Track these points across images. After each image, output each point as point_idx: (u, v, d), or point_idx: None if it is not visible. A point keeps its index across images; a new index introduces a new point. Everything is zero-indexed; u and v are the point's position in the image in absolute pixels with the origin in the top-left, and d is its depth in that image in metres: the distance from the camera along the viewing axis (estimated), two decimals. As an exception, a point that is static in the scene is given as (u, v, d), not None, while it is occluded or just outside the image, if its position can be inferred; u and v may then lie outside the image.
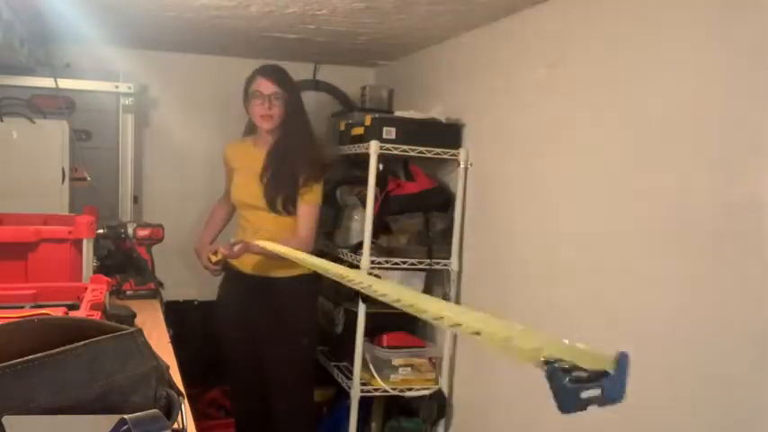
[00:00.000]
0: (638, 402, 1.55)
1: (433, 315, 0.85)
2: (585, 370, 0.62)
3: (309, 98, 2.88)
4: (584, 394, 0.61)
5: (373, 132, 2.36)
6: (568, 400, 0.60)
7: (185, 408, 0.78)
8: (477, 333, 0.74)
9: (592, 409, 0.66)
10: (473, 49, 2.39)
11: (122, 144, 2.75)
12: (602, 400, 0.62)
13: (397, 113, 2.53)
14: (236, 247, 2.16)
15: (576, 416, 0.68)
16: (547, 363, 0.60)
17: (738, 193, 1.31)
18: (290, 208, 2.29)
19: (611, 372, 0.64)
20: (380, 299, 1.03)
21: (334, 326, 2.65)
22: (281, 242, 2.31)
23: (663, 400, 1.49)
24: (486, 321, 0.77)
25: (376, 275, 2.34)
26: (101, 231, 2.07)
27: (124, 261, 2.21)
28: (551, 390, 0.59)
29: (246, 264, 2.33)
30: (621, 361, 0.65)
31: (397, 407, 2.72)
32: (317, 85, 3.18)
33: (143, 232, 2.18)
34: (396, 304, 0.99)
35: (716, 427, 1.35)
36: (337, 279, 1.16)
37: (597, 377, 0.62)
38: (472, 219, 2.39)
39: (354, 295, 2.39)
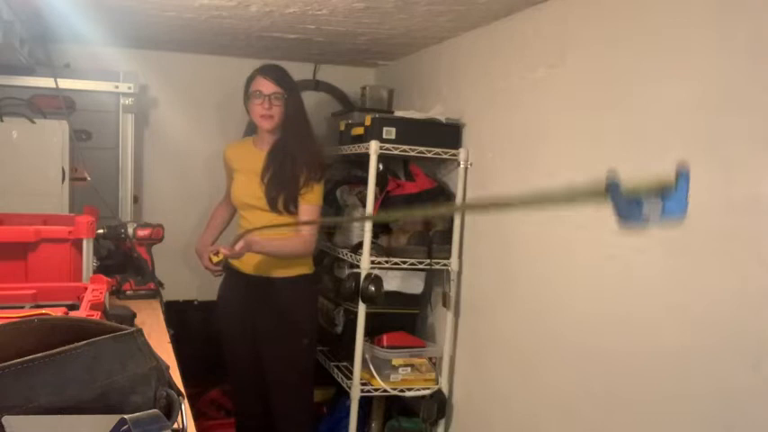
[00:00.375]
0: (638, 402, 1.55)
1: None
2: (645, 190, 0.61)
3: (309, 98, 2.88)
4: (644, 208, 0.59)
5: (373, 132, 2.36)
6: (627, 211, 0.58)
7: (185, 408, 0.78)
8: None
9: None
10: (473, 49, 2.39)
11: (122, 144, 2.74)
12: (662, 215, 0.59)
13: (397, 113, 2.53)
14: (237, 246, 2.16)
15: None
16: (608, 178, 0.60)
17: (738, 192, 1.31)
18: (291, 208, 2.29)
19: (671, 187, 0.62)
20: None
21: (334, 326, 2.65)
22: (283, 242, 2.32)
23: (662, 399, 1.49)
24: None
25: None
26: (101, 231, 2.07)
27: (124, 261, 2.21)
28: (611, 203, 0.57)
29: (247, 264, 2.33)
30: (682, 176, 0.63)
31: (397, 407, 2.72)
32: (317, 85, 3.18)
33: (143, 232, 2.18)
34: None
35: (715, 426, 1.35)
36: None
37: (656, 192, 0.60)
38: (472, 219, 2.39)
39: (354, 295, 2.39)
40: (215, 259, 2.24)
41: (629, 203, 0.58)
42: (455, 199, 2.42)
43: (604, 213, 1.67)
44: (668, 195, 0.60)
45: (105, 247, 2.28)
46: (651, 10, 1.55)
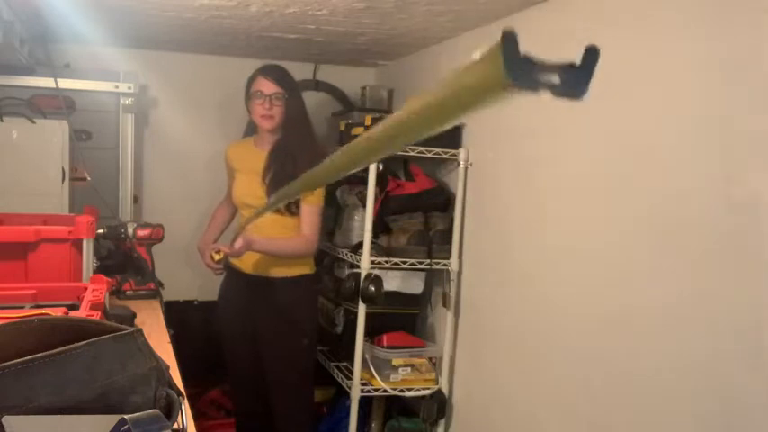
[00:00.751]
0: (638, 401, 1.55)
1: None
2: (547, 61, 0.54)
3: (309, 98, 2.87)
4: (540, 76, 0.52)
5: (373, 132, 2.36)
6: (519, 69, 0.51)
7: (185, 408, 0.78)
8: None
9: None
10: (473, 49, 2.38)
11: (122, 144, 2.74)
12: (560, 89, 0.53)
13: (398, 113, 2.53)
14: (237, 245, 2.16)
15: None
16: (504, 32, 0.51)
17: (738, 193, 1.31)
18: (292, 208, 2.29)
19: (576, 64, 0.56)
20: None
21: (334, 326, 2.65)
22: (284, 242, 2.32)
23: (662, 399, 1.49)
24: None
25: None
26: (101, 231, 2.07)
27: (124, 261, 2.21)
28: (503, 58, 0.50)
29: (247, 263, 2.34)
30: (589, 53, 0.56)
31: (397, 407, 2.72)
32: (317, 85, 3.18)
33: (143, 232, 2.18)
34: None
35: (715, 426, 1.35)
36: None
37: (560, 67, 0.54)
38: (472, 219, 2.39)
39: (354, 295, 2.39)
40: (216, 257, 2.24)
41: (523, 61, 0.52)
42: (455, 199, 2.42)
43: (604, 214, 1.67)
44: (571, 72, 0.55)
45: (105, 247, 2.28)
46: (651, 10, 1.55)
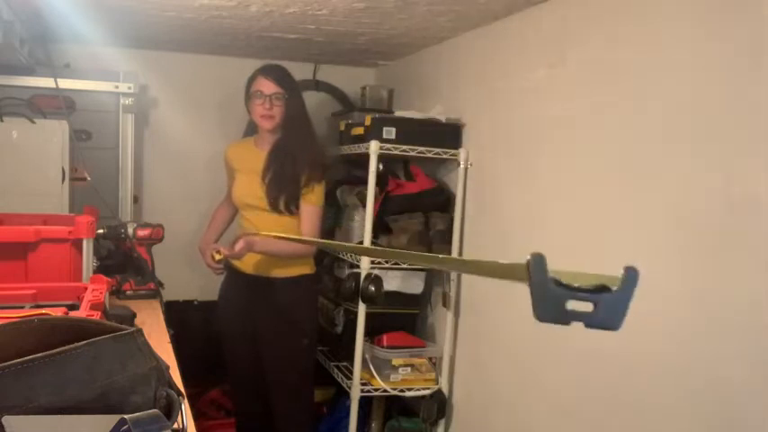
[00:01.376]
0: (638, 401, 1.55)
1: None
2: (580, 287, 0.48)
3: (309, 98, 2.87)
4: (570, 304, 0.47)
5: (373, 132, 2.36)
6: (547, 303, 0.47)
7: (185, 408, 0.78)
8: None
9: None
10: (473, 49, 2.39)
11: (122, 144, 2.74)
12: (593, 320, 0.48)
13: (397, 113, 2.53)
14: (238, 247, 2.16)
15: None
16: (532, 258, 0.47)
17: (738, 193, 1.31)
18: (292, 208, 2.29)
19: (613, 289, 0.49)
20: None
21: (334, 326, 2.65)
22: (285, 242, 2.32)
23: (662, 399, 1.49)
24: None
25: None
26: (101, 231, 2.07)
27: (124, 261, 2.21)
28: (529, 288, 0.46)
29: (248, 264, 2.33)
30: (628, 278, 0.51)
31: (397, 407, 2.72)
32: (317, 85, 3.18)
33: (143, 232, 2.18)
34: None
35: (715, 426, 1.35)
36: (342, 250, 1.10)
37: (592, 291, 0.49)
38: (472, 219, 2.39)
39: (354, 295, 2.39)
40: (217, 257, 2.25)
41: (553, 295, 0.47)
42: (455, 199, 2.42)
43: (604, 215, 1.67)
44: (605, 297, 0.48)
45: (105, 247, 2.28)
46: (651, 9, 1.55)
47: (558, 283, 0.47)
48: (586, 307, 0.47)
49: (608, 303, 0.48)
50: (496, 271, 0.57)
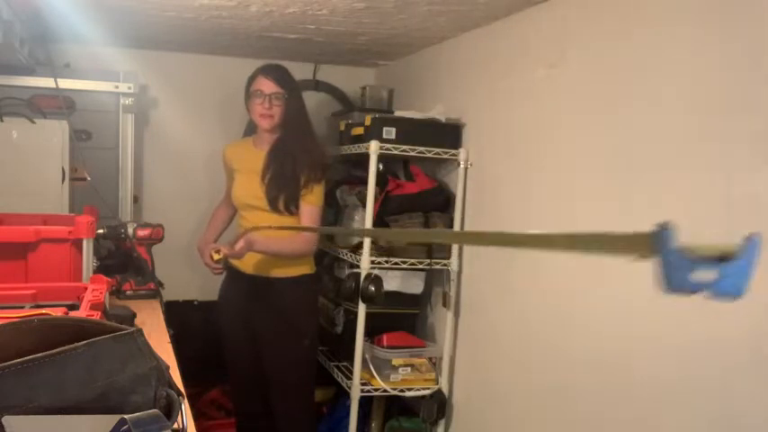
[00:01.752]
0: (638, 402, 1.55)
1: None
2: (704, 256, 0.49)
3: (309, 98, 2.87)
4: (696, 275, 0.47)
5: (373, 132, 2.36)
6: (674, 275, 0.46)
7: (185, 408, 0.78)
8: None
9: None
10: (473, 49, 2.39)
11: (122, 144, 2.75)
12: (717, 289, 0.48)
13: (397, 113, 2.53)
14: (238, 246, 2.16)
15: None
16: (658, 231, 0.47)
17: (738, 193, 1.31)
18: (291, 208, 2.29)
19: (735, 256, 0.49)
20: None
21: (335, 326, 2.65)
22: (284, 242, 2.32)
23: (662, 399, 1.49)
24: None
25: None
26: (101, 231, 2.07)
27: (124, 261, 2.21)
28: (658, 262, 0.47)
29: (248, 263, 2.33)
30: (750, 246, 0.49)
31: (397, 407, 2.72)
32: (317, 85, 3.18)
33: (143, 232, 2.18)
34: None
35: (715, 426, 1.35)
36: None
37: (715, 260, 0.49)
38: (472, 219, 2.39)
39: (354, 295, 2.39)
40: (216, 257, 2.24)
41: (679, 265, 0.47)
42: (455, 199, 2.42)
43: (604, 215, 1.67)
44: (727, 266, 0.49)
45: (105, 247, 2.28)
46: (651, 9, 1.56)
47: (683, 254, 0.48)
48: (709, 277, 0.48)
49: (732, 271, 0.48)
50: (609, 245, 0.60)
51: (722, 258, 0.49)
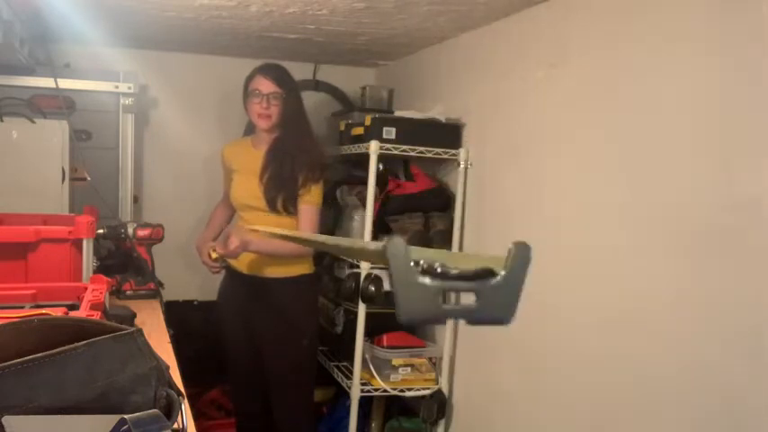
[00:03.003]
0: (639, 401, 1.55)
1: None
2: (458, 270, 0.38)
3: (309, 98, 2.88)
4: (445, 302, 0.36)
5: (373, 132, 2.36)
6: (413, 299, 0.36)
7: (185, 408, 0.78)
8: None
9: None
10: (473, 49, 2.39)
11: (122, 144, 2.74)
12: (475, 315, 0.38)
13: (397, 113, 2.53)
14: (233, 246, 2.15)
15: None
16: (389, 242, 0.36)
17: (738, 193, 1.31)
18: (290, 208, 2.29)
19: (500, 273, 0.39)
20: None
21: (335, 326, 2.65)
22: (281, 242, 2.31)
23: (663, 399, 1.49)
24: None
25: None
26: (101, 231, 2.07)
27: (124, 261, 2.21)
28: (390, 283, 0.37)
29: (243, 263, 2.33)
30: (518, 257, 0.40)
31: (397, 407, 2.72)
32: (317, 85, 3.18)
33: (143, 232, 2.18)
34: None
35: (715, 426, 1.35)
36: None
37: (471, 277, 0.38)
38: (472, 219, 2.39)
39: (354, 295, 2.39)
40: (214, 255, 2.25)
41: (416, 288, 0.36)
42: (455, 199, 2.42)
43: (604, 215, 1.67)
44: (488, 286, 0.38)
45: (105, 247, 2.28)
46: (651, 9, 1.55)
47: (427, 271, 0.37)
48: (470, 298, 0.38)
49: (493, 292, 0.38)
50: (365, 254, 0.49)
51: (484, 274, 0.38)
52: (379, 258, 0.39)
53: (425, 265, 0.36)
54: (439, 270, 0.37)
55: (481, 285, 0.37)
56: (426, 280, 0.36)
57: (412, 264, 0.36)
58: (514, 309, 0.38)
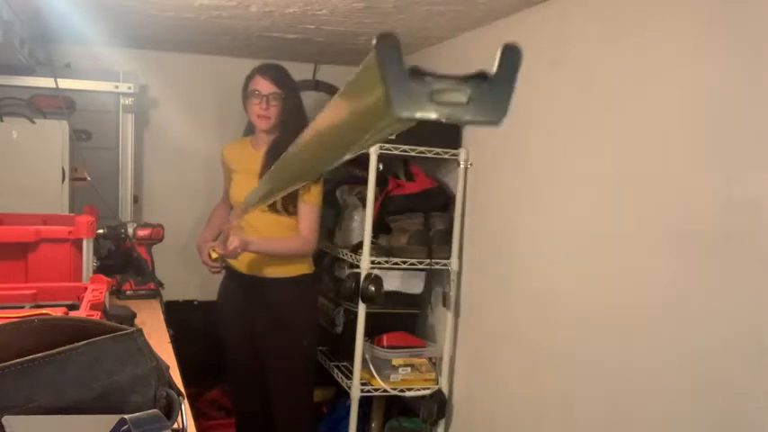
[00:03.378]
0: (639, 401, 1.55)
1: None
2: (448, 75, 0.37)
3: (309, 98, 2.88)
4: (439, 96, 0.37)
5: (373, 132, 2.36)
6: (406, 93, 0.36)
7: (185, 408, 0.78)
8: None
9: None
10: (473, 49, 2.39)
11: (122, 144, 2.75)
12: (467, 113, 0.37)
13: (397, 113, 2.53)
14: (232, 246, 2.15)
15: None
16: (379, 43, 0.36)
17: (738, 193, 1.31)
18: (290, 208, 2.29)
19: (490, 74, 0.38)
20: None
21: (335, 326, 2.65)
22: (281, 242, 2.32)
23: (663, 399, 1.49)
24: None
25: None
26: (101, 231, 2.07)
27: (124, 261, 2.21)
28: (382, 82, 0.36)
29: (243, 263, 2.33)
30: (507, 59, 0.39)
31: (397, 407, 2.72)
32: (316, 85, 3.18)
33: (143, 232, 2.18)
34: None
35: (716, 426, 1.35)
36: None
37: (464, 78, 0.38)
38: (472, 219, 2.39)
39: (354, 295, 2.39)
40: (213, 255, 2.25)
41: (406, 84, 0.36)
42: (455, 199, 2.42)
43: (604, 214, 1.67)
44: (481, 84, 0.37)
45: (105, 247, 2.29)
46: (651, 9, 1.55)
47: (419, 72, 0.37)
48: (454, 98, 0.38)
49: (484, 93, 0.38)
50: (353, 90, 0.44)
51: (475, 77, 0.38)
52: (368, 78, 0.38)
53: (417, 68, 0.36)
54: (430, 70, 0.37)
55: (473, 86, 0.37)
56: (420, 79, 0.36)
57: (406, 70, 0.36)
58: (505, 110, 0.38)
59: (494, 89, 0.39)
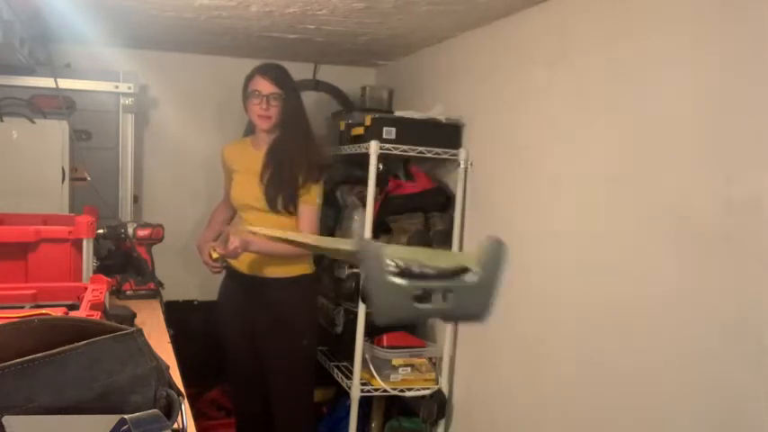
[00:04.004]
0: (639, 401, 1.55)
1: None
2: (432, 268, 0.36)
3: (309, 98, 2.88)
4: (419, 302, 0.35)
5: (373, 132, 2.36)
6: (387, 300, 0.35)
7: (185, 408, 0.78)
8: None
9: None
10: (473, 49, 2.39)
11: (122, 144, 2.74)
12: (451, 312, 0.36)
13: (397, 113, 2.53)
14: (232, 246, 2.15)
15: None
16: (361, 244, 0.35)
17: (738, 193, 1.31)
18: (290, 208, 2.29)
19: (474, 269, 0.38)
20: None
21: (335, 326, 2.65)
22: (280, 242, 2.31)
23: (663, 399, 1.49)
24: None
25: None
26: (101, 231, 2.07)
27: (124, 261, 2.21)
28: (364, 288, 0.35)
29: (243, 263, 2.33)
30: (492, 253, 0.38)
31: (397, 407, 2.72)
32: (317, 85, 3.18)
33: (143, 232, 2.18)
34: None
35: (716, 426, 1.35)
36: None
37: (447, 275, 0.37)
38: (472, 219, 2.39)
39: (354, 295, 2.39)
40: (214, 255, 2.25)
41: (389, 290, 0.34)
42: (455, 199, 2.42)
43: (604, 214, 1.67)
44: (465, 283, 0.36)
45: (105, 247, 2.28)
46: (651, 10, 1.55)
47: (403, 271, 0.35)
48: (436, 300, 0.37)
49: (468, 290, 0.36)
50: (341, 254, 0.48)
51: (458, 272, 0.36)
52: (353, 259, 0.40)
53: (401, 265, 0.35)
54: (414, 270, 0.36)
55: (456, 284, 0.36)
56: (400, 280, 0.35)
57: (387, 264, 0.34)
58: (490, 306, 0.37)
59: (478, 286, 0.38)
